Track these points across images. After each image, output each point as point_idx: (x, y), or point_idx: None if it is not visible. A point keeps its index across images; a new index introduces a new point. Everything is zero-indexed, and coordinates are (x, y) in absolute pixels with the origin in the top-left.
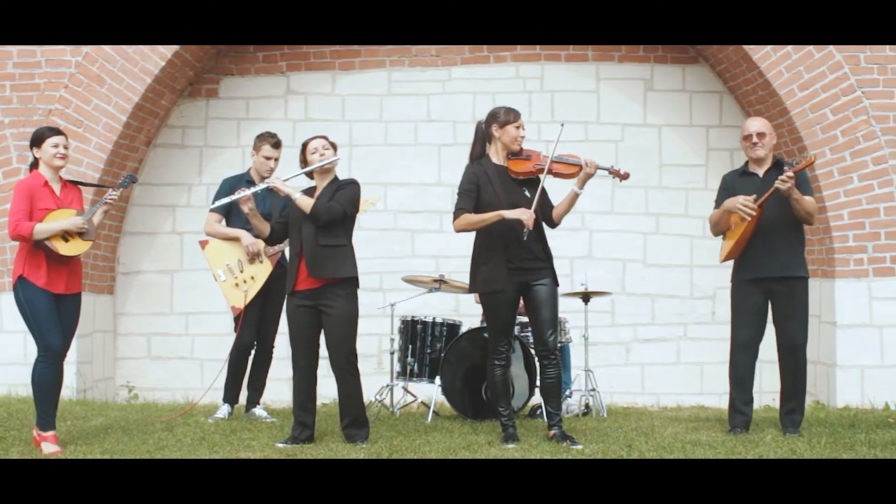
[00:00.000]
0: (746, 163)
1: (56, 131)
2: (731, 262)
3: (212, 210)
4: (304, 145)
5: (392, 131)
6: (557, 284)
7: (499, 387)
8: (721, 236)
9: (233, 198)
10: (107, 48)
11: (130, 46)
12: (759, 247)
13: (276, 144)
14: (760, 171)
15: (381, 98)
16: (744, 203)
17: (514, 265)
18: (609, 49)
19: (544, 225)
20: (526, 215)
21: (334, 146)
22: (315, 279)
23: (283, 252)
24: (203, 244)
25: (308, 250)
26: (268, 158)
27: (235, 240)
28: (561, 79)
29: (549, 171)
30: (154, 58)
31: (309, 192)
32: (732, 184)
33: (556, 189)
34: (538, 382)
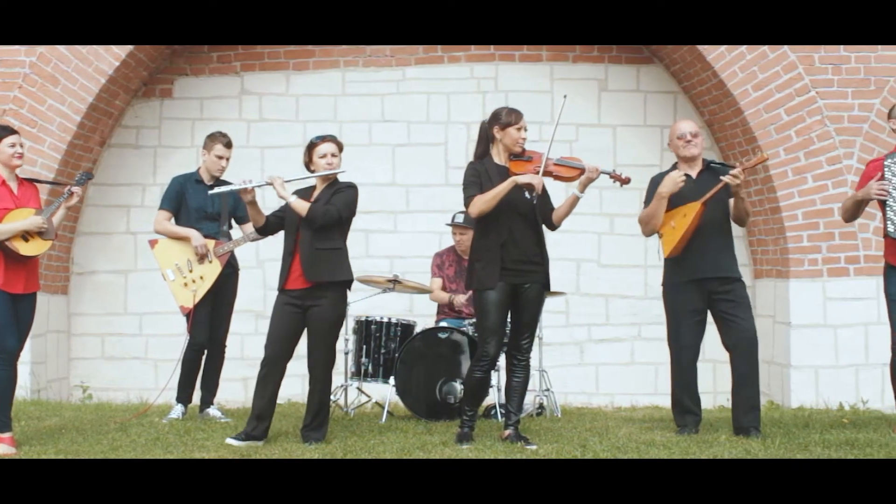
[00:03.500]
0: (675, 164)
1: (11, 130)
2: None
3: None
4: (313, 146)
5: (346, 131)
6: (548, 288)
7: (474, 389)
8: (657, 235)
9: (235, 187)
10: (61, 48)
11: (85, 46)
12: (696, 248)
13: (228, 144)
14: (693, 173)
15: (335, 98)
16: (678, 176)
17: (507, 265)
18: (563, 49)
19: (544, 227)
20: (537, 180)
21: (341, 148)
22: (306, 280)
23: (232, 252)
24: (152, 244)
25: (304, 253)
26: (220, 158)
27: (185, 239)
28: (515, 79)
29: (550, 173)
30: (108, 58)
31: (307, 192)
32: None
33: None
34: (494, 382)
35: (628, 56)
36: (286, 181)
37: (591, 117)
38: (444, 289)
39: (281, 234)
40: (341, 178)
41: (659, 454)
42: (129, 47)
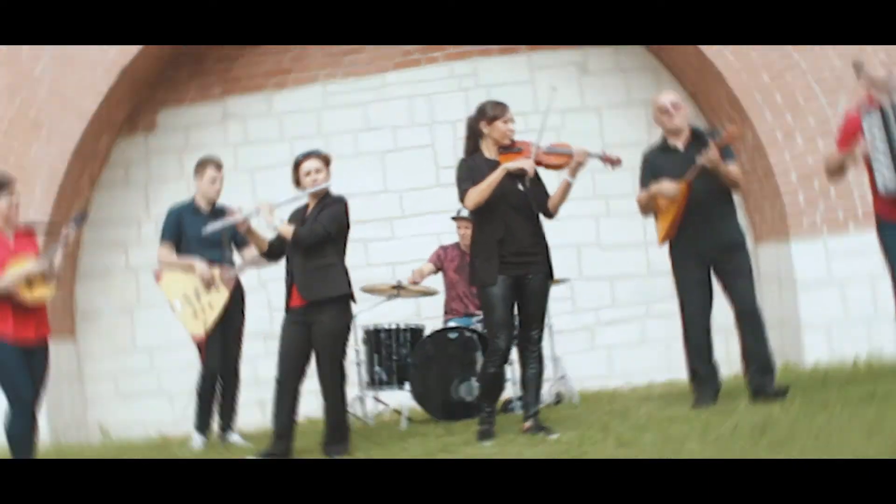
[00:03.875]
0: (663, 137)
1: (7, 183)
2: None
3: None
4: (298, 164)
5: (332, 144)
6: (552, 277)
7: (489, 385)
8: (653, 216)
9: (227, 222)
10: (42, 93)
11: (66, 88)
12: (694, 220)
13: (218, 166)
14: (681, 145)
15: (318, 112)
16: (670, 187)
17: (507, 259)
18: None
19: (541, 216)
20: (528, 164)
21: (327, 161)
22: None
23: (237, 277)
24: (157, 276)
25: (298, 273)
26: (213, 181)
27: (190, 269)
28: (495, 72)
29: (539, 163)
30: (90, 95)
31: (303, 210)
32: (655, 161)
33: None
34: (509, 376)
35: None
36: (275, 205)
37: (575, 101)
38: (451, 283)
39: None
40: (333, 189)
41: (681, 429)
42: (110, 82)
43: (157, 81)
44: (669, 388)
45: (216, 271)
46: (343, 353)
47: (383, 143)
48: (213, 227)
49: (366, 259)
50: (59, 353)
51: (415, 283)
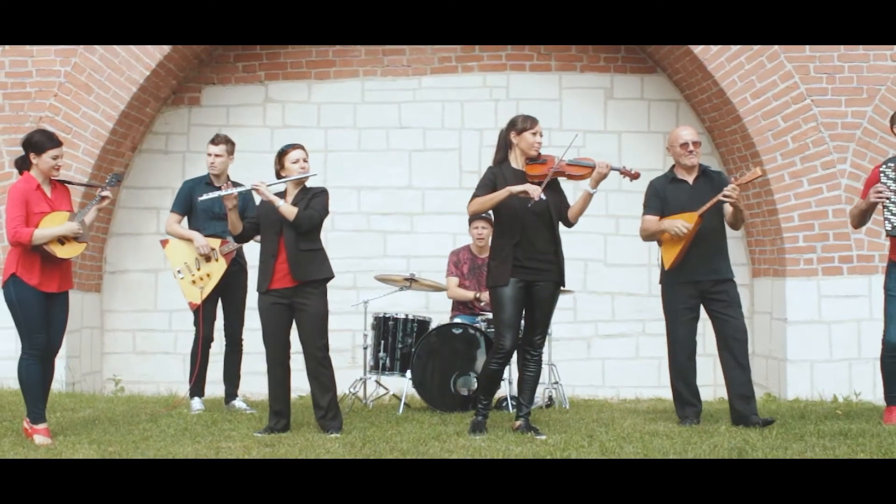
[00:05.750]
0: (673, 167)
1: (56, 142)
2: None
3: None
4: (283, 153)
5: (365, 138)
6: (562, 285)
7: (489, 381)
8: (656, 242)
9: (219, 194)
10: (94, 59)
11: (117, 57)
12: (694, 253)
13: (214, 140)
14: (690, 179)
15: (354, 106)
16: (682, 226)
17: (521, 263)
18: (571, 59)
19: (561, 225)
20: (531, 188)
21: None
22: (290, 279)
23: (239, 250)
24: (164, 243)
25: (291, 254)
26: (208, 156)
27: (190, 240)
28: (526, 88)
29: (562, 173)
30: (139, 67)
31: (279, 196)
32: (663, 191)
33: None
34: (505, 375)
35: (633, 66)
36: (268, 185)
37: (598, 124)
38: (461, 283)
39: None
40: (311, 182)
41: (662, 444)
42: (159, 58)
43: (205, 59)
44: (656, 404)
45: (216, 244)
46: (327, 330)
47: (413, 142)
48: (205, 197)
49: (383, 250)
50: (84, 306)
51: (451, 297)
